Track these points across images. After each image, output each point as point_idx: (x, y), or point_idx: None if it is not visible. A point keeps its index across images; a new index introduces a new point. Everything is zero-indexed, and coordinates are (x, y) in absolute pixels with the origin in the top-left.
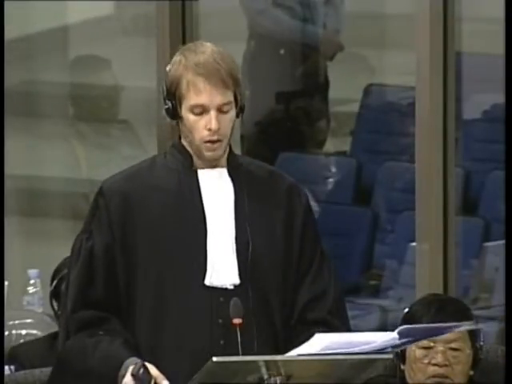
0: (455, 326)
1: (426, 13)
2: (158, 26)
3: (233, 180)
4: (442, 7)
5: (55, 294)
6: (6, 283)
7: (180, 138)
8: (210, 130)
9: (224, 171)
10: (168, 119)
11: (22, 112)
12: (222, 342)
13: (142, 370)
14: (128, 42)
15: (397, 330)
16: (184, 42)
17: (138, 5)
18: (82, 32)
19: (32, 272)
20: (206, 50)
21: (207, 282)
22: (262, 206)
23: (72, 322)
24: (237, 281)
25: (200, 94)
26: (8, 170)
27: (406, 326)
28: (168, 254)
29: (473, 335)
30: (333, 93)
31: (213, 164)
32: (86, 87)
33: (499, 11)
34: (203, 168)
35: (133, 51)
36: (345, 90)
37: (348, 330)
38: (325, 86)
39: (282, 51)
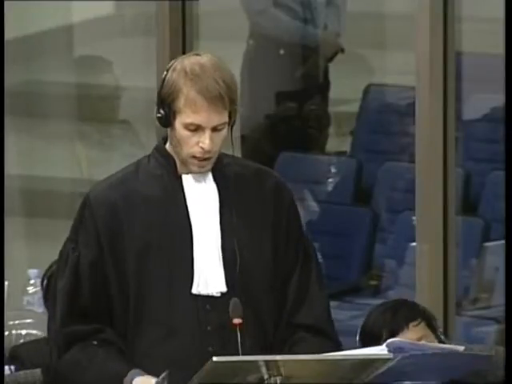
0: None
1: (426, 13)
2: (158, 26)
3: (217, 184)
4: (442, 7)
5: (45, 296)
6: (6, 283)
7: (164, 141)
8: (202, 148)
9: (208, 176)
10: (157, 123)
11: (25, 112)
12: (210, 348)
13: (166, 382)
14: (128, 42)
15: (385, 343)
16: (184, 42)
17: (138, 5)
18: (81, 32)
19: (32, 272)
20: (206, 65)
21: (194, 290)
22: (248, 209)
23: (62, 337)
24: (223, 288)
25: (198, 113)
26: (11, 170)
27: (394, 340)
28: (154, 264)
29: (432, 326)
30: (333, 93)
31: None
32: (87, 87)
33: (499, 11)
34: (187, 173)
35: (133, 51)
36: (345, 90)
37: (333, 329)
38: (325, 86)
39: (281, 51)
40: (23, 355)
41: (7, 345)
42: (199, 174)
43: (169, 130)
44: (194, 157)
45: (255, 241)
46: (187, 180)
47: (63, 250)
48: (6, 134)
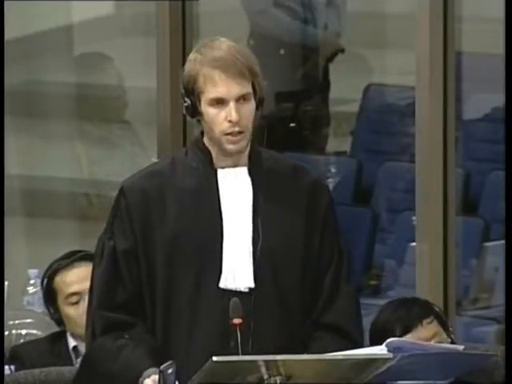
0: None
1: (426, 13)
2: (158, 26)
3: (253, 179)
4: (442, 7)
5: (46, 296)
6: (6, 283)
7: (202, 134)
8: (230, 121)
9: (244, 171)
10: (188, 118)
11: (25, 112)
12: (233, 343)
13: (170, 370)
14: (128, 41)
15: (385, 343)
16: (184, 42)
17: (137, 5)
18: (81, 32)
19: (32, 272)
20: (221, 44)
21: (222, 284)
22: (282, 205)
23: (98, 321)
24: (251, 284)
25: (217, 86)
26: (11, 170)
27: (394, 340)
28: (184, 256)
29: (443, 324)
30: (333, 93)
31: (233, 162)
32: (87, 87)
33: (499, 11)
34: (223, 167)
35: (133, 51)
36: (345, 90)
37: (359, 333)
38: (325, 86)
39: (282, 51)
40: (23, 355)
41: (7, 345)
42: (234, 169)
43: (201, 120)
44: (226, 134)
45: (287, 238)
46: (222, 174)
47: (99, 241)
48: (6, 133)
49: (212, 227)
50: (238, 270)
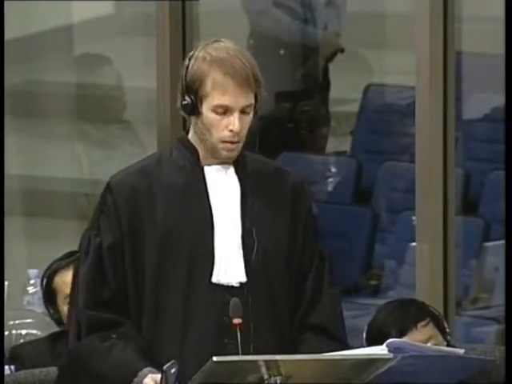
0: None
1: (426, 13)
2: (158, 26)
3: (239, 178)
4: (442, 7)
5: (45, 296)
6: (6, 283)
7: (187, 132)
8: (231, 131)
9: (231, 169)
10: (183, 113)
11: (25, 112)
12: (226, 340)
13: (173, 370)
14: (128, 41)
15: (385, 343)
16: (184, 42)
17: (137, 5)
18: (81, 32)
19: (32, 272)
20: (229, 48)
21: (214, 279)
22: (267, 204)
23: (84, 320)
24: (243, 278)
25: (226, 94)
26: (11, 170)
27: (394, 340)
28: (175, 252)
29: (440, 326)
30: (333, 93)
31: (220, 160)
32: (87, 87)
33: (499, 11)
34: (210, 165)
35: (133, 51)
36: (345, 90)
37: (344, 333)
38: (325, 86)
39: (281, 51)
40: (23, 355)
41: (7, 345)
42: (221, 167)
43: (193, 119)
44: (224, 141)
45: (274, 235)
46: (210, 171)
47: (83, 240)
48: (6, 133)
49: (202, 223)
50: (229, 265)
